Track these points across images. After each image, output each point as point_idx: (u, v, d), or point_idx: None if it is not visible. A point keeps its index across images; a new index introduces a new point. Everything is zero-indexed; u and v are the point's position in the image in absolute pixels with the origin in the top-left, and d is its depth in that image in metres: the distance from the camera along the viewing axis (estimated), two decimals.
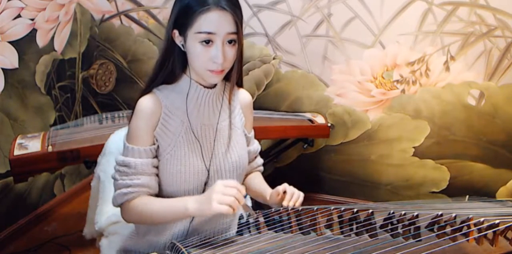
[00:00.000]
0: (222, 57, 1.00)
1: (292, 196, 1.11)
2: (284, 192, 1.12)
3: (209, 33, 0.99)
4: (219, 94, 1.14)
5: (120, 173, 1.08)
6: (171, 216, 1.05)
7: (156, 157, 1.09)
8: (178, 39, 1.05)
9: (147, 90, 1.10)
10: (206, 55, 1.01)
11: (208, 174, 1.12)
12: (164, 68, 1.09)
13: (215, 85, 1.12)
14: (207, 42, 1.00)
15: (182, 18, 1.02)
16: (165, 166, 1.09)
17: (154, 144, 1.08)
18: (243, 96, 1.23)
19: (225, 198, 0.94)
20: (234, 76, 1.10)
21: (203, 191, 1.12)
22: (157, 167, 1.10)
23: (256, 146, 1.30)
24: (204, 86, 1.10)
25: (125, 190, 1.07)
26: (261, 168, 1.34)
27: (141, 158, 1.07)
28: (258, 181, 1.27)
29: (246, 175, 1.29)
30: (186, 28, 1.01)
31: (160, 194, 1.13)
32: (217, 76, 1.04)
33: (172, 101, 1.10)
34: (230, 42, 1.02)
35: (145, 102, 1.08)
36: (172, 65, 1.08)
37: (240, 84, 1.22)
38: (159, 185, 1.12)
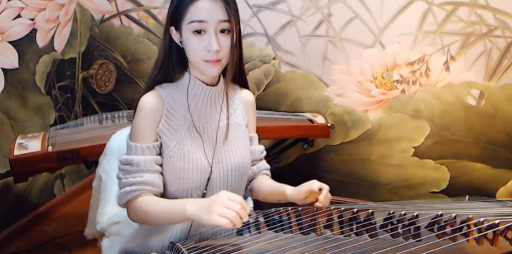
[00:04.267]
0: (216, 45, 1.01)
1: (325, 197, 1.09)
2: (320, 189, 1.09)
3: (200, 21, 1.01)
4: (220, 93, 1.14)
5: (124, 172, 1.08)
6: (171, 217, 1.02)
7: (160, 154, 1.09)
8: (176, 36, 1.07)
9: (149, 88, 1.11)
10: (200, 44, 1.02)
11: (211, 171, 1.12)
12: (164, 66, 1.10)
13: (217, 83, 1.13)
14: (199, 31, 1.01)
15: (176, 12, 1.05)
16: (168, 163, 1.09)
17: (157, 141, 1.09)
18: (246, 95, 1.23)
19: (227, 212, 0.89)
20: (230, 71, 1.09)
21: (205, 189, 1.13)
22: (161, 165, 1.10)
23: (259, 148, 1.26)
24: (206, 84, 1.11)
25: (128, 188, 1.07)
26: (268, 172, 1.28)
27: (144, 155, 1.07)
28: (270, 181, 1.24)
29: (253, 179, 1.26)
30: (180, 21, 1.03)
31: (163, 193, 1.12)
32: (214, 66, 1.04)
33: (175, 99, 1.10)
34: (223, 31, 1.02)
35: (148, 100, 1.08)
36: (172, 63, 1.09)
37: (245, 86, 1.23)
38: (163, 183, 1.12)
